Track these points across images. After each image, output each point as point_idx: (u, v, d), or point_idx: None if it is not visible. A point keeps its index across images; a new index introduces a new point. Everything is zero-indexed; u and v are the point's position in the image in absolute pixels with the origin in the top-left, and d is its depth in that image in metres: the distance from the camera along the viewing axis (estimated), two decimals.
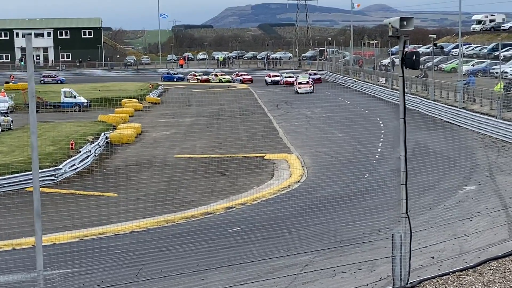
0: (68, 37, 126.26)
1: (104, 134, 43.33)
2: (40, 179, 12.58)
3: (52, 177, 31.88)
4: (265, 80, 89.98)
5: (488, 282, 14.59)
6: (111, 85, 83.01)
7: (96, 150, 39.10)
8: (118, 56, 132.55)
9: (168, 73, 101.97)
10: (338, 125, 43.87)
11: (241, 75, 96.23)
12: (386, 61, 79.00)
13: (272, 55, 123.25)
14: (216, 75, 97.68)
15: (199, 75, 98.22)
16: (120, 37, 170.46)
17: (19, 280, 19.07)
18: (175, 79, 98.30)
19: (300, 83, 73.80)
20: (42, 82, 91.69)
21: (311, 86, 72.84)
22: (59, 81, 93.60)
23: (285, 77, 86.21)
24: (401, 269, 14.45)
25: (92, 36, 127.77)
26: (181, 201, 28.44)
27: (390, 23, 14.13)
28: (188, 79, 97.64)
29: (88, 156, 36.97)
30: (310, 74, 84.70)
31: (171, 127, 50.19)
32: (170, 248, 21.87)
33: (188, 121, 53.63)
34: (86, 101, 60.12)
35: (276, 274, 17.63)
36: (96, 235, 23.67)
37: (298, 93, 71.51)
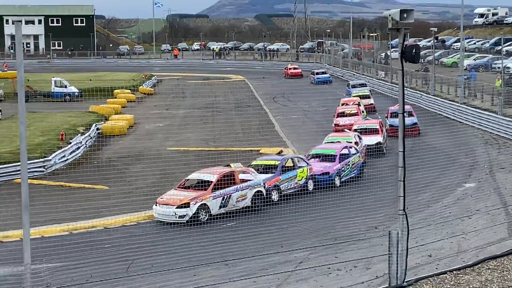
0: (60, 25, 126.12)
1: (96, 125, 43.21)
2: (28, 170, 12.61)
3: (41, 169, 31.85)
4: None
5: (486, 282, 14.63)
6: (104, 75, 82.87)
7: (87, 141, 39.04)
8: (111, 45, 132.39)
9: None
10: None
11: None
12: (388, 53, 78.79)
13: (269, 47, 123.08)
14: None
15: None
16: (113, 25, 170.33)
17: (5, 274, 19.08)
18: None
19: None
20: None
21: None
22: None
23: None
24: (397, 267, 14.48)
25: (84, 24, 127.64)
26: None
27: (390, 15, 14.14)
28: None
29: (78, 148, 36.94)
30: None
31: (164, 119, 50.12)
32: (161, 243, 21.88)
33: (182, 113, 53.60)
34: (77, 91, 60.11)
35: (270, 271, 17.63)
36: (86, 228, 23.63)
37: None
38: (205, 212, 24.25)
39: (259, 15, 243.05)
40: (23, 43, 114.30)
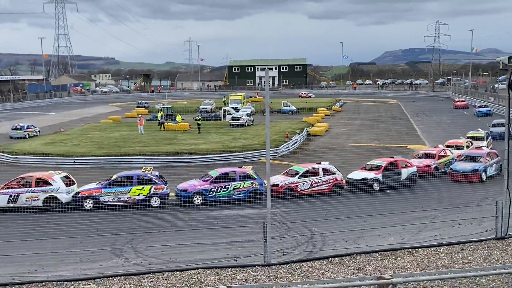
0: (286, 70, 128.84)
1: (306, 129, 43.62)
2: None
3: (275, 154, 32.74)
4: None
5: None
6: (311, 99, 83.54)
7: (301, 138, 39.54)
8: (315, 82, 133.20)
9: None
10: (460, 128, 40.78)
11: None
12: (496, 85, 72.23)
13: (414, 82, 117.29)
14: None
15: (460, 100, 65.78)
16: (317, 70, 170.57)
17: (254, 213, 19.77)
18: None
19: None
20: None
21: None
22: None
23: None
24: (501, 224, 13.39)
25: (300, 70, 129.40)
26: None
27: (501, 60, 13.13)
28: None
29: (296, 142, 37.47)
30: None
31: (347, 126, 49.51)
32: (346, 200, 21.67)
33: (358, 122, 52.60)
34: (295, 108, 61.05)
35: (413, 222, 16.90)
36: None
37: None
38: None
39: (409, 62, 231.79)
40: (264, 81, 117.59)
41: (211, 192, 21.16)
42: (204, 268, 11.42)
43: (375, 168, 23.47)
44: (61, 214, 19.59)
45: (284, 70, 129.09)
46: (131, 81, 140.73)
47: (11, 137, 41.35)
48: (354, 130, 46.00)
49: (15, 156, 31.53)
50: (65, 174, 21.99)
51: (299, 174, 22.50)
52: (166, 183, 21.45)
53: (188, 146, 34.18)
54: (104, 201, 20.50)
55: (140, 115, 49.25)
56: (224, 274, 10.96)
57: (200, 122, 43.78)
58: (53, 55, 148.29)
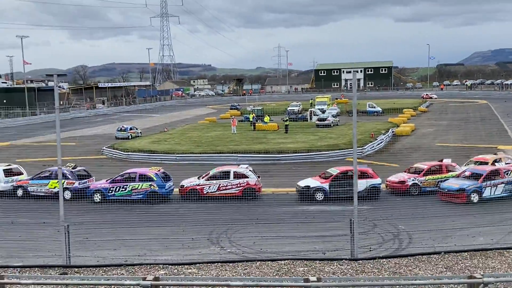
0: (372, 72, 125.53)
1: (392, 130, 42.22)
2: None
3: (360, 153, 32.00)
4: None
5: None
6: (397, 100, 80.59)
7: (386, 138, 38.36)
8: (401, 83, 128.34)
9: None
10: None
11: None
12: None
13: (505, 82, 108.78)
14: None
15: None
16: (403, 72, 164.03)
17: (338, 209, 19.39)
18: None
19: None
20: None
21: None
22: None
23: None
24: None
25: (386, 72, 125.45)
26: None
27: None
28: None
29: (381, 142, 36.42)
30: None
31: (433, 126, 47.13)
32: (433, 200, 20.63)
33: (445, 123, 49.89)
34: (380, 109, 59.28)
35: (504, 223, 15.72)
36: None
37: None
38: None
39: (498, 62, 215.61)
40: (349, 83, 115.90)
41: (110, 191, 20.78)
42: (293, 259, 11.49)
43: (327, 176, 20.69)
44: (160, 205, 20.53)
45: (369, 72, 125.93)
46: (225, 86, 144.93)
47: (116, 138, 44.23)
48: (440, 131, 43.74)
49: (127, 153, 33.78)
50: (15, 166, 23.50)
51: (207, 176, 21.22)
52: (85, 179, 21.68)
53: (277, 145, 34.48)
54: (32, 191, 21.62)
55: (233, 117, 50.64)
56: (313, 266, 10.95)
57: (287, 123, 43.97)
58: (158, 63, 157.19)
